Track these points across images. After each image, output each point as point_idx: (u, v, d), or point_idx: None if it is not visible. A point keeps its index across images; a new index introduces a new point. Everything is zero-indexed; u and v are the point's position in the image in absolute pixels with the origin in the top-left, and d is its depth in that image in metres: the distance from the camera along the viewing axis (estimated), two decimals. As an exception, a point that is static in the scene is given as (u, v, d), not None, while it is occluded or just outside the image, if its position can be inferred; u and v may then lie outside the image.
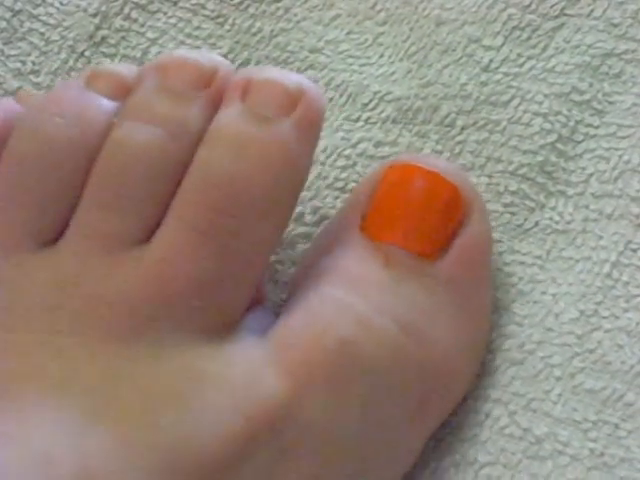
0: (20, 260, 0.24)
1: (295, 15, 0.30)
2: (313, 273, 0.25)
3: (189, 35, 0.30)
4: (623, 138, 0.27)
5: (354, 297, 0.24)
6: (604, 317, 0.25)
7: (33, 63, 0.30)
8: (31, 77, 0.30)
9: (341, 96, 0.28)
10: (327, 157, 0.28)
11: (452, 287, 0.25)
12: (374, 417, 0.23)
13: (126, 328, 0.23)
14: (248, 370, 0.23)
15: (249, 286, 0.24)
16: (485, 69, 0.28)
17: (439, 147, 0.28)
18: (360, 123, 0.28)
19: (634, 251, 0.26)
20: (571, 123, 0.27)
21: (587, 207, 0.27)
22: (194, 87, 0.24)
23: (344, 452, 0.23)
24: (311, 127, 0.24)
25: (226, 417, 0.22)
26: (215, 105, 0.24)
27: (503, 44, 0.28)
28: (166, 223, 0.23)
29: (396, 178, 0.25)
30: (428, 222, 0.24)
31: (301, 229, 0.27)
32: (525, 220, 0.27)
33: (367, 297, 0.24)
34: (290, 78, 0.24)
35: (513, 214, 0.27)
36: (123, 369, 0.22)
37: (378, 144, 0.28)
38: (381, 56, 0.29)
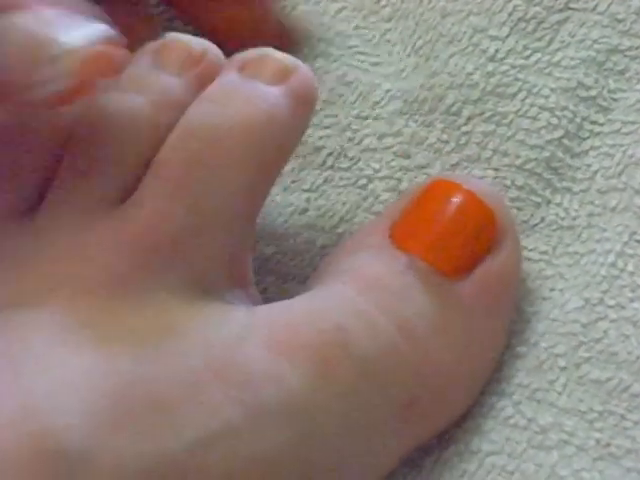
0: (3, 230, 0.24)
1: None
2: (331, 271, 0.25)
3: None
4: (627, 134, 0.27)
5: (361, 295, 0.24)
6: (610, 306, 0.25)
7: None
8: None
9: (352, 94, 0.28)
10: (334, 160, 0.28)
11: (468, 311, 0.24)
12: (357, 405, 0.23)
13: (100, 283, 0.23)
14: (228, 334, 0.22)
15: (224, 247, 0.24)
16: (491, 59, 0.28)
17: (444, 136, 0.27)
18: (369, 120, 0.28)
19: (639, 242, 0.26)
20: (577, 119, 0.27)
21: (592, 203, 0.26)
22: (182, 66, 0.25)
23: (323, 435, 0.22)
24: (303, 101, 0.24)
25: (191, 364, 0.22)
26: (203, 84, 0.25)
27: (509, 35, 0.28)
28: (144, 180, 0.24)
29: (431, 192, 0.25)
30: (455, 241, 0.24)
31: (304, 219, 0.27)
32: (531, 216, 0.27)
33: (374, 297, 0.24)
34: (286, 56, 0.25)
35: (520, 209, 0.27)
36: (92, 319, 0.22)
37: (382, 136, 0.28)
38: (390, 54, 0.29)
